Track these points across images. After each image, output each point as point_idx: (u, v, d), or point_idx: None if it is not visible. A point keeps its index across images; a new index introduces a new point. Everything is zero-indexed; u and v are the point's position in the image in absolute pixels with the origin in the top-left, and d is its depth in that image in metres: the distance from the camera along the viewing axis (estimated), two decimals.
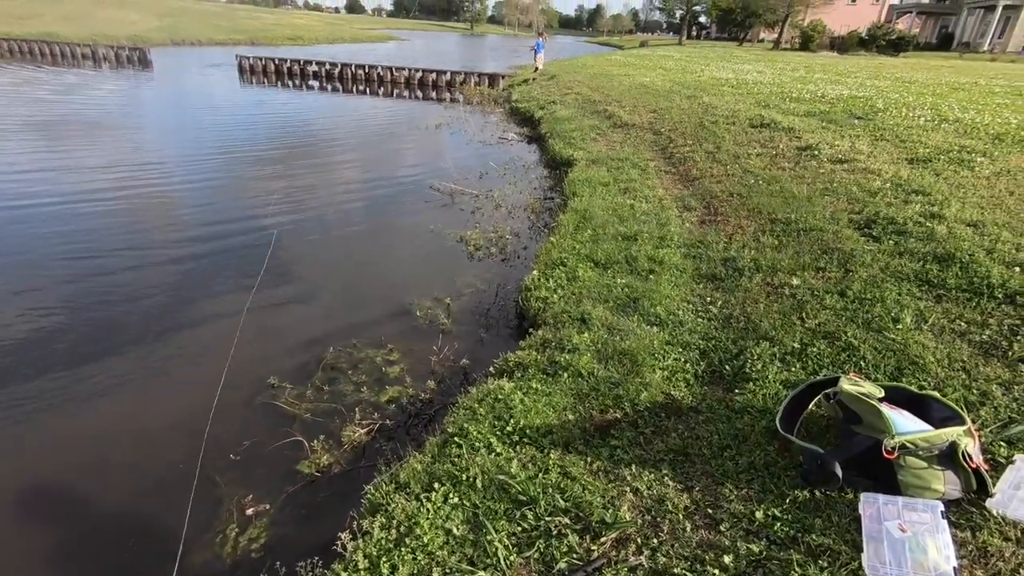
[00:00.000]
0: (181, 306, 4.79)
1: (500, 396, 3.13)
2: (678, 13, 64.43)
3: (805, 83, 13.73)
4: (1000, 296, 3.19)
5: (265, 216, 7.01)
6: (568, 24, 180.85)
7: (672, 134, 9.22)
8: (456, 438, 2.83)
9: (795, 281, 3.86)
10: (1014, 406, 2.34)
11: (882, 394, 2.19)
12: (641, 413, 2.83)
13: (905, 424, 1.99)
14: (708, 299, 3.99)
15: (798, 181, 5.98)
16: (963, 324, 3.02)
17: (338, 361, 4.05)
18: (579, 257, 4.97)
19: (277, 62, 23.64)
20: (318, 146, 11.38)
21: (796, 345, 3.11)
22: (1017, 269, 3.42)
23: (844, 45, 38.62)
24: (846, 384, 2.14)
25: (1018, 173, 5.28)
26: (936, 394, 2.22)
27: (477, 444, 2.75)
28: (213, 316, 4.67)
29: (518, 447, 2.72)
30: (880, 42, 37.03)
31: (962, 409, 2.14)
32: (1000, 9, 35.09)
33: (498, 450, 2.70)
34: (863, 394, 2.05)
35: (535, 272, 4.81)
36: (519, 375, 3.41)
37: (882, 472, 1.96)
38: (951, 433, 1.92)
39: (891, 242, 4.15)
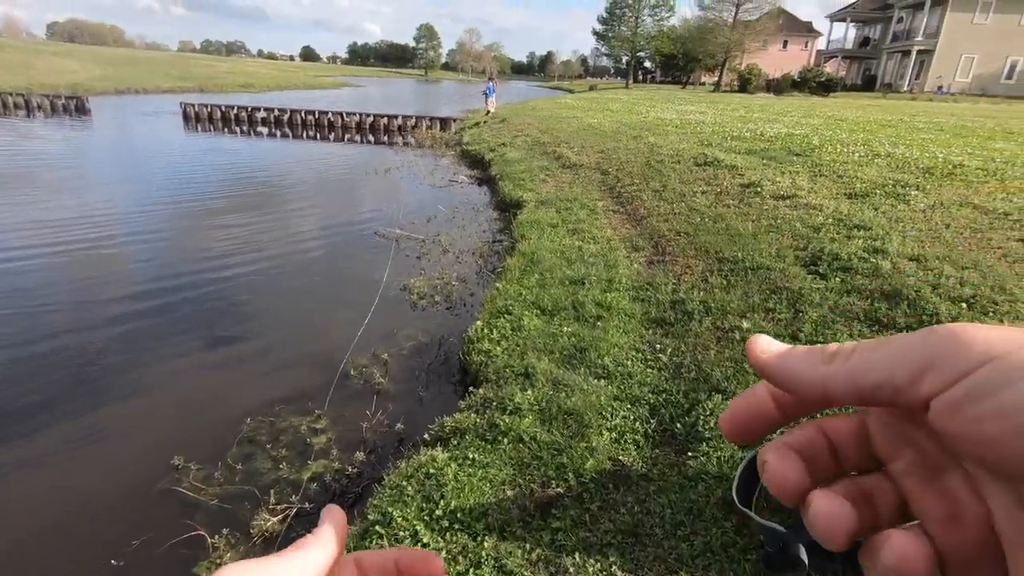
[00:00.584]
0: (93, 377, 4.27)
1: (432, 470, 2.79)
2: (624, 58, 67.42)
3: (745, 122, 14.22)
4: None
5: (197, 272, 6.55)
6: (520, 70, 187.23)
7: (620, 174, 9.25)
8: (378, 527, 2.46)
9: (745, 324, 3.70)
10: None
11: None
12: (586, 485, 2.53)
13: None
14: (658, 346, 3.78)
15: (743, 218, 5.96)
16: None
17: (257, 433, 3.63)
18: (525, 304, 4.72)
19: (224, 108, 23.22)
20: (263, 196, 10.97)
21: None
22: (964, 305, 3.34)
23: (779, 87, 40.91)
24: None
25: (951, 206, 5.37)
26: None
27: (401, 534, 2.39)
28: (131, 384, 4.19)
29: (448, 534, 2.37)
30: (812, 83, 39.40)
31: None
32: (915, 54, 38.04)
33: (425, 540, 2.34)
34: None
35: (479, 323, 4.52)
36: (455, 443, 3.08)
37: (856, 556, 1.71)
38: None
39: (838, 279, 4.06)
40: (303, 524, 2.91)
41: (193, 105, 23.28)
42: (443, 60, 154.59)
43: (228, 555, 2.68)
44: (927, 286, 3.65)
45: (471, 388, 3.67)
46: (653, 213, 6.92)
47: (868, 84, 44.19)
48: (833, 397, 0.24)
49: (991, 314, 3.22)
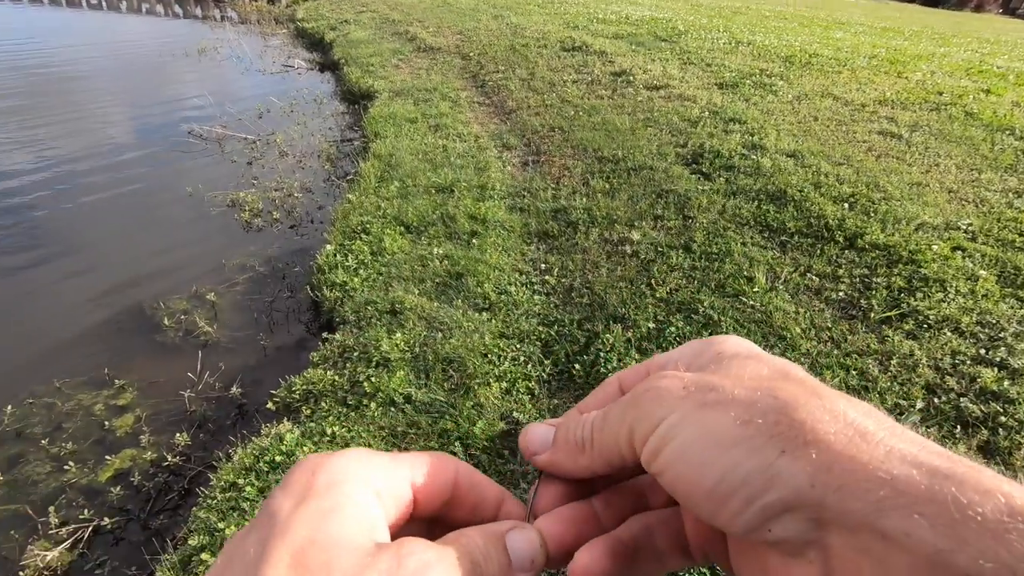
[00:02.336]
0: None
1: (278, 458, 2.16)
2: None
3: (608, 3, 13.55)
4: (841, 240, 2.97)
5: None
6: None
7: (482, 59, 8.28)
8: (204, 553, 1.83)
9: (635, 236, 3.35)
10: (896, 387, 2.03)
11: None
12: (477, 456, 2.08)
13: None
14: (543, 265, 3.32)
15: (619, 111, 5.53)
16: (815, 279, 2.73)
17: (27, 422, 2.67)
18: (386, 220, 3.97)
19: None
20: (37, 85, 8.36)
21: (651, 325, 2.58)
22: (846, 206, 3.25)
23: None
24: None
25: (814, 97, 5.38)
26: None
27: None
28: None
29: None
30: None
31: None
32: None
33: None
34: None
35: (329, 247, 3.72)
36: (308, 412, 2.44)
37: None
38: None
39: (722, 180, 3.83)
40: (105, 546, 2.18)
41: None
42: None
43: None
44: (809, 185, 3.52)
45: (326, 334, 2.98)
46: (523, 105, 6.24)
47: None
48: (600, 474, 0.31)
49: (871, 215, 3.16)
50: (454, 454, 2.08)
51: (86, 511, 2.26)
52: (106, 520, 2.24)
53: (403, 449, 2.16)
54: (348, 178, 5.29)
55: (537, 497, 0.32)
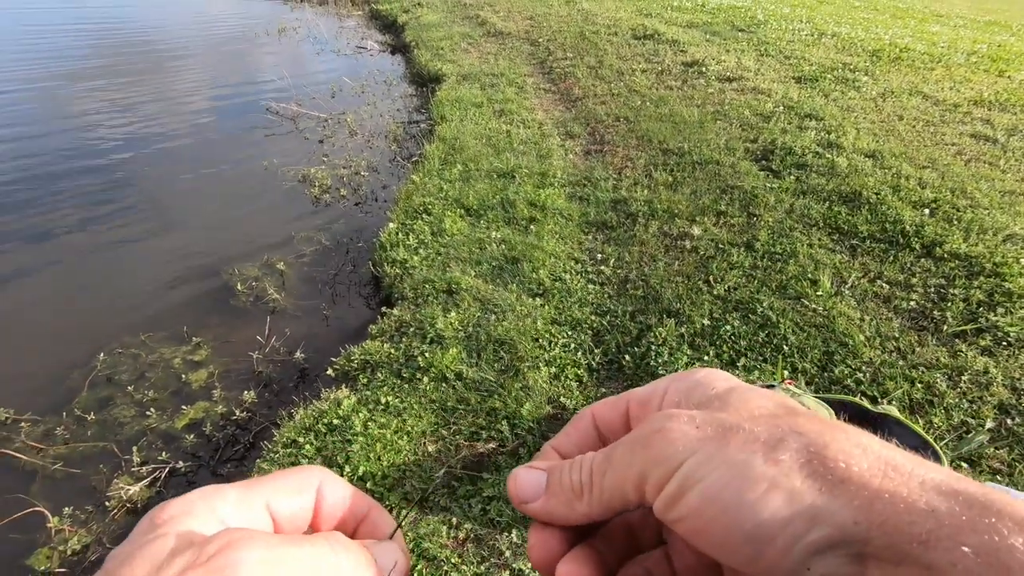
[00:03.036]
0: None
1: (336, 420, 2.29)
2: None
3: None
4: (918, 248, 2.82)
5: (38, 153, 5.23)
6: None
7: (551, 45, 8.24)
8: None
9: (696, 231, 3.29)
10: (965, 404, 1.93)
11: (833, 418, 1.63)
12: (523, 437, 2.14)
13: None
14: (599, 255, 3.32)
15: (687, 102, 5.39)
16: (885, 286, 2.61)
17: (116, 369, 2.93)
18: (447, 202, 4.07)
19: None
20: (128, 58, 8.98)
21: (706, 322, 2.55)
22: (926, 212, 3.07)
23: None
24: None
25: (901, 94, 5.06)
26: (894, 411, 1.72)
27: None
28: None
29: None
30: None
31: (927, 433, 1.65)
32: None
33: None
34: None
35: (392, 225, 3.85)
36: (365, 381, 2.57)
37: None
38: None
39: (792, 178, 3.69)
40: (177, 488, 2.38)
41: None
42: None
43: (75, 538, 2.12)
44: (887, 188, 3.34)
45: (384, 308, 3.10)
46: (589, 93, 6.19)
47: None
48: (600, 521, 0.29)
49: (955, 223, 2.98)
50: (500, 432, 2.16)
51: (164, 454, 2.47)
52: (180, 464, 2.44)
53: (453, 423, 2.25)
54: (413, 159, 5.42)
55: (533, 544, 0.30)
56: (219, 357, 3.07)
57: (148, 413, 2.67)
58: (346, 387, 2.55)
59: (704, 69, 6.20)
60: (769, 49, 6.87)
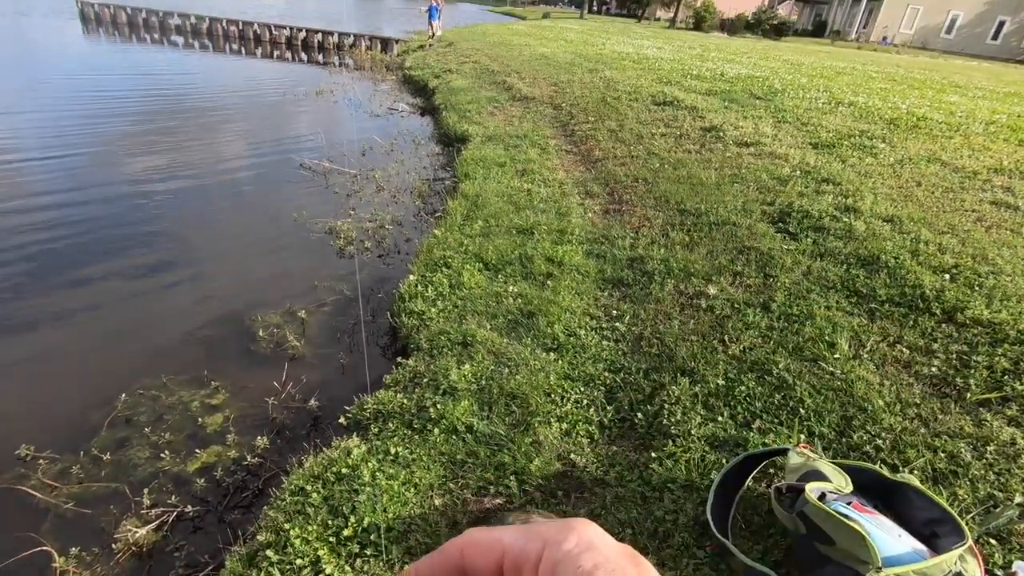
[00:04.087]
0: None
1: (345, 469, 2.29)
2: None
3: (703, 61, 13.63)
4: (938, 313, 2.78)
5: (73, 202, 5.54)
6: None
7: (573, 109, 8.57)
8: (270, 551, 1.95)
9: (712, 290, 3.30)
10: (991, 476, 1.85)
11: (851, 487, 1.59)
12: (531, 493, 2.10)
13: (889, 543, 1.39)
14: (614, 312, 3.34)
15: (705, 165, 5.51)
16: (905, 351, 2.57)
17: (135, 411, 2.99)
18: (466, 256, 4.16)
19: (130, 11, 20.33)
20: (174, 116, 9.58)
21: (721, 382, 2.52)
22: (947, 277, 3.04)
23: (733, 27, 40.08)
24: (810, 492, 1.51)
25: (919, 161, 5.11)
26: (914, 481, 1.66)
27: (299, 561, 1.90)
28: None
29: (358, 561, 1.90)
30: (765, 26, 38.83)
31: (950, 506, 1.59)
32: (864, 2, 38.00)
33: (328, 570, 1.86)
34: (843, 516, 1.42)
35: (412, 277, 3.94)
36: (376, 431, 2.57)
37: None
38: (952, 559, 1.35)
39: (809, 240, 3.71)
40: (184, 533, 2.37)
41: (92, 4, 20.24)
42: None
43: None
44: (906, 252, 3.33)
45: (400, 359, 3.14)
46: (609, 155, 6.37)
47: (818, 29, 44.12)
48: None
49: (976, 288, 2.94)
50: (508, 488, 2.12)
51: (173, 497, 2.48)
52: (189, 508, 2.44)
53: (461, 477, 2.23)
54: (436, 214, 5.59)
55: None
56: (236, 401, 3.12)
57: (162, 455, 2.70)
58: (357, 436, 2.55)
59: (722, 134, 6.36)
60: (786, 116, 7.03)
